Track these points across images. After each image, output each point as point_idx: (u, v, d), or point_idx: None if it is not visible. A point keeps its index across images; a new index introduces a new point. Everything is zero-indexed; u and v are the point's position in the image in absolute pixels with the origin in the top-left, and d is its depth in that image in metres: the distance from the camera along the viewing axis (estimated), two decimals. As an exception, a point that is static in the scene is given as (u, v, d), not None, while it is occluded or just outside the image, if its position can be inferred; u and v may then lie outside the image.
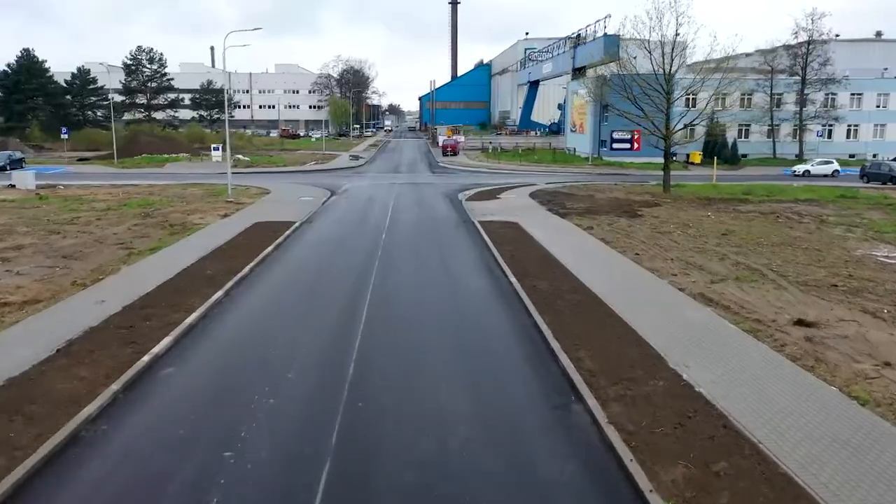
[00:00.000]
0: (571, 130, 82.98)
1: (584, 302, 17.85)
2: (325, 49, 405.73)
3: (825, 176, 57.47)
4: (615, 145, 70.67)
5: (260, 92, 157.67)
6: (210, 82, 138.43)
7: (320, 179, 54.37)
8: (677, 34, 41.16)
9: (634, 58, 50.81)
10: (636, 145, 70.57)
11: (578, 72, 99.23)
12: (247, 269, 21.57)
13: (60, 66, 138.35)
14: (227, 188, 39.54)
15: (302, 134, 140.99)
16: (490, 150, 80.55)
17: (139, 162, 66.47)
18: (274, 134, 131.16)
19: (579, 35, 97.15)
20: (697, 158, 69.58)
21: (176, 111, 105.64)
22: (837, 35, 78.23)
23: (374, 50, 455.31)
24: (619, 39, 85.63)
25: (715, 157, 58.97)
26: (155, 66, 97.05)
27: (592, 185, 48.17)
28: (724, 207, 36.21)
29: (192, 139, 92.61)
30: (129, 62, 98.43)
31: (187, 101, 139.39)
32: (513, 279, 20.66)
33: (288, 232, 28.56)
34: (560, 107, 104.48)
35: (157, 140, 78.34)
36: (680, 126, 42.09)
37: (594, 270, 21.64)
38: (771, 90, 72.02)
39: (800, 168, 59.12)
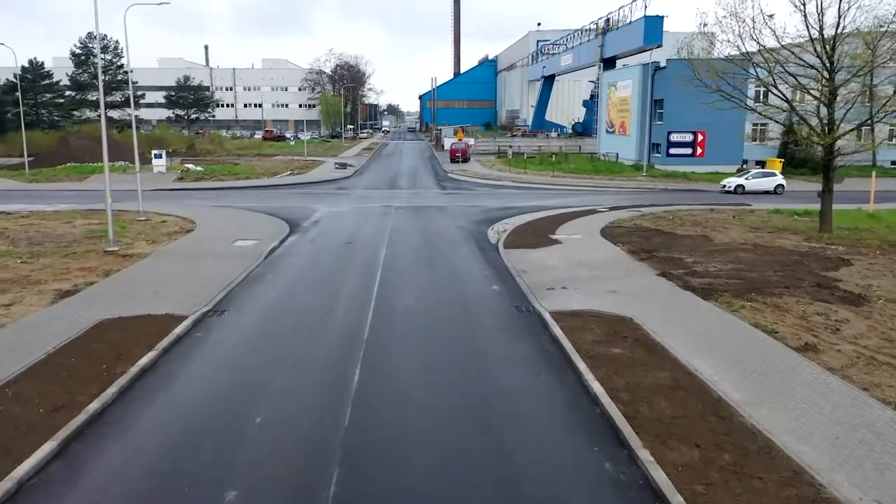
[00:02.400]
0: (608, 132, 67.15)
1: None
2: (320, 48, 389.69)
3: (766, 193, 42.37)
4: (673, 150, 54.73)
5: (245, 89, 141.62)
6: (187, 78, 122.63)
7: (287, 200, 38.48)
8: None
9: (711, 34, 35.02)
10: (699, 150, 54.70)
11: (608, 62, 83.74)
12: None
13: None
14: (110, 230, 23.46)
15: (289, 136, 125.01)
16: (509, 156, 64.50)
17: (59, 173, 50.57)
18: (260, 135, 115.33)
19: (608, 20, 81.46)
20: (778, 167, 53.67)
21: (138, 109, 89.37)
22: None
23: (372, 48, 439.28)
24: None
25: (874, 171, 41.02)
26: (109, 56, 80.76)
27: (688, 214, 32.16)
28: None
29: (152, 143, 76.49)
30: (77, 51, 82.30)
31: (161, 100, 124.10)
32: None
33: (143, 362, 12.64)
34: (586, 104, 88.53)
35: (95, 145, 62.13)
36: (848, 125, 25.78)
37: None
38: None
39: (730, 182, 43.34)
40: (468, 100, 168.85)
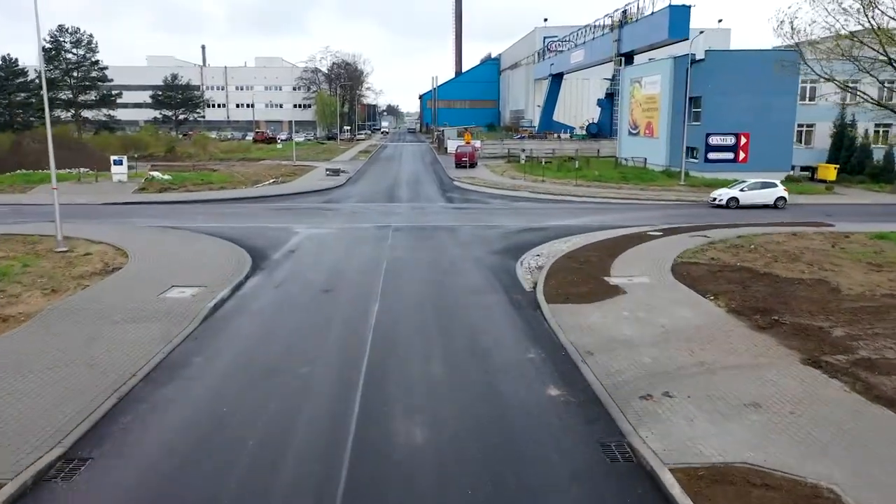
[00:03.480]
0: (630, 133, 59.91)
1: None
2: (318, 47, 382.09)
3: (764, 207, 35.13)
4: (712, 155, 47.45)
5: (237, 89, 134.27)
6: (175, 77, 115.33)
7: (261, 218, 31.22)
8: None
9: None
10: (742, 154, 47.46)
11: (625, 58, 76.56)
12: None
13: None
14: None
15: (283, 137, 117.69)
16: (522, 161, 57.14)
17: (2, 182, 43.17)
18: (252, 137, 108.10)
19: (625, 12, 74.33)
20: (832, 174, 46.44)
21: (113, 110, 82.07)
22: None
23: (372, 49, 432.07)
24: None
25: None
26: (82, 52, 73.39)
27: (769, 241, 24.80)
28: None
29: (129, 146, 69.23)
30: (47, 46, 74.97)
31: (148, 100, 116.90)
32: None
33: None
34: (601, 103, 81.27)
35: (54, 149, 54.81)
36: None
37: None
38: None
39: (721, 194, 35.85)
40: (470, 100, 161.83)
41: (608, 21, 78.63)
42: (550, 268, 20.36)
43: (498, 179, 48.61)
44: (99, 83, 74.30)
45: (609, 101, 78.56)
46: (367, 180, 50.15)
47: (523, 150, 56.87)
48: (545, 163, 55.53)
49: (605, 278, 18.97)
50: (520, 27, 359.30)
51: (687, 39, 64.70)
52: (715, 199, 35.59)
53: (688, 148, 49.66)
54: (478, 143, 74.92)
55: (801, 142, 51.69)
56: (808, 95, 49.85)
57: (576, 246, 23.98)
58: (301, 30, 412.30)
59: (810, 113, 49.88)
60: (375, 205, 36.60)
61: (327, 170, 52.67)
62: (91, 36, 73.82)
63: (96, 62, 74.76)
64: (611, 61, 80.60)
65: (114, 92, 78.15)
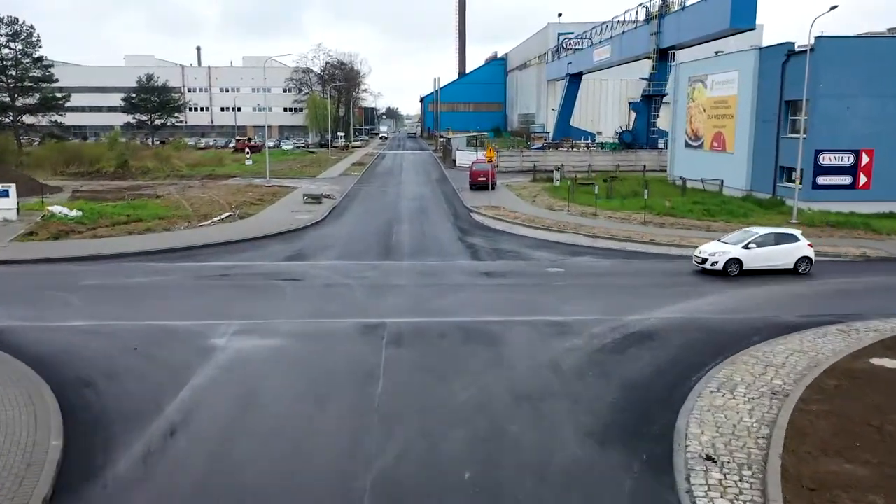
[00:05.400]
0: (689, 145, 47.11)
1: None
2: (310, 47, 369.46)
3: (773, 271, 22.16)
4: (822, 179, 34.61)
5: (222, 91, 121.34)
6: (150, 77, 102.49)
7: (166, 305, 18.21)
8: None
9: None
10: (863, 178, 34.63)
11: (665, 54, 63.92)
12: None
13: None
14: None
15: (272, 144, 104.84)
16: (557, 182, 44.17)
17: None
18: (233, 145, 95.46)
19: (665, 1, 61.77)
20: None
21: (62, 114, 69.08)
22: None
23: (371, 50, 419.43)
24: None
25: None
26: (20, 46, 60.38)
27: None
28: None
29: (69, 159, 56.47)
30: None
31: (120, 102, 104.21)
32: None
33: None
34: (636, 106, 68.44)
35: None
36: None
37: None
38: None
39: (715, 253, 22.24)
40: (474, 102, 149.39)
41: (642, 12, 66.03)
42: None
43: (531, 211, 35.76)
44: (43, 84, 61.44)
45: (645, 105, 65.82)
46: (356, 212, 37.17)
47: (557, 169, 43.89)
48: (578, 181, 42.52)
49: None
50: (521, 29, 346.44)
51: (753, 29, 52.32)
52: (705, 261, 22.12)
53: (781, 168, 36.97)
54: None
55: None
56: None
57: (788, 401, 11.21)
58: (298, 32, 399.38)
59: None
60: (363, 266, 23.67)
61: (306, 195, 39.80)
62: (32, 28, 60.81)
63: (39, 59, 61.84)
64: (646, 58, 68.07)
65: (59, 94, 65.13)
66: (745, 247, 22.08)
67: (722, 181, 40.28)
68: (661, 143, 66.71)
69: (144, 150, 68.68)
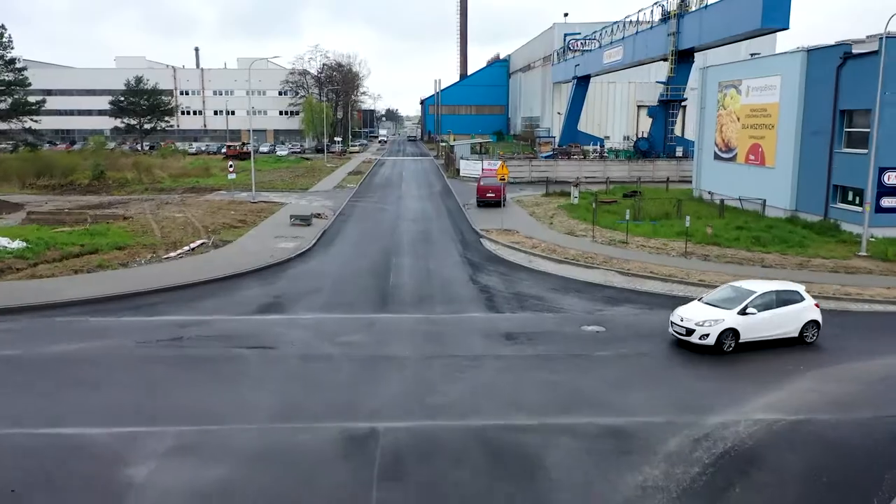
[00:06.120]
0: (719, 157, 42.27)
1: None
2: (306, 48, 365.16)
3: (771, 342, 16.67)
4: (886, 200, 29.82)
5: (215, 93, 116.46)
6: (139, 80, 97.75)
7: (86, 403, 13.46)
8: None
9: None
10: (937, 201, 29.82)
11: (684, 55, 59.16)
12: None
13: None
14: None
15: (265, 150, 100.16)
16: (574, 200, 39.35)
17: None
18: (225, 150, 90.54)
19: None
20: None
21: (37, 120, 64.24)
22: None
23: (370, 51, 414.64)
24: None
25: None
26: (-10, 47, 55.60)
27: None
28: None
29: (40, 170, 51.67)
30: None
31: (104, 106, 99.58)
32: None
33: None
34: (652, 111, 63.60)
35: None
36: None
37: None
38: None
39: (703, 320, 16.29)
40: (476, 105, 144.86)
41: (658, 11, 61.23)
42: None
43: (550, 236, 30.91)
44: (15, 88, 56.65)
45: (662, 110, 61.01)
46: (350, 238, 32.29)
47: (575, 185, 39.01)
48: (600, 199, 37.73)
49: None
50: (523, 29, 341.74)
51: (787, 29, 47.54)
52: (690, 332, 16.40)
53: (835, 187, 32.17)
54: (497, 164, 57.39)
55: None
56: None
57: None
58: (296, 34, 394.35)
59: None
60: (353, 322, 18.81)
61: (293, 216, 34.97)
62: (3, 28, 55.92)
63: (12, 61, 57.04)
64: (662, 60, 63.29)
65: (33, 99, 60.22)
66: (743, 312, 16.28)
67: (764, 201, 35.41)
68: (678, 152, 62.01)
69: (125, 159, 63.82)
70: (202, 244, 29.14)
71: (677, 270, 24.34)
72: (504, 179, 33.53)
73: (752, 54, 42.05)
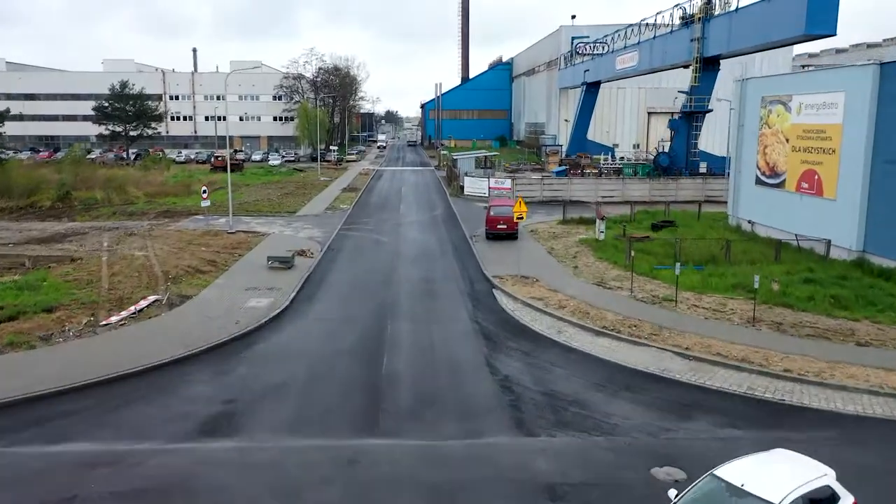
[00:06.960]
0: (762, 182, 36.68)
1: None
2: (301, 51, 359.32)
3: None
4: None
5: (206, 98, 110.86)
6: (125, 84, 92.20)
7: None
8: None
9: None
10: None
11: (709, 62, 53.70)
12: None
13: None
14: None
15: (258, 158, 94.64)
16: (600, 237, 33.62)
17: None
18: (230, 159, 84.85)
19: (710, 2, 51.64)
20: None
21: None
22: None
23: (369, 53, 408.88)
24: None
25: None
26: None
27: None
28: None
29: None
30: None
31: (90, 111, 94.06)
32: None
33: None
34: (674, 124, 58.03)
35: None
36: None
37: None
38: None
39: None
40: (478, 109, 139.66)
41: (678, 14, 55.71)
42: None
43: (578, 288, 25.32)
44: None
45: (685, 122, 55.48)
46: (336, 289, 26.53)
47: (601, 219, 33.42)
48: (626, 233, 32.17)
49: None
50: (524, 30, 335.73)
51: (833, 35, 42.12)
52: None
53: (921, 227, 26.67)
54: (507, 184, 51.95)
55: None
56: None
57: None
58: (294, 35, 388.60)
59: None
60: (326, 461, 13.18)
61: (271, 259, 29.38)
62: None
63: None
64: (683, 67, 57.82)
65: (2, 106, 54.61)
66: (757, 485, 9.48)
67: (829, 241, 29.84)
68: (702, 167, 56.57)
69: (101, 171, 58.29)
70: (155, 301, 23.60)
71: (750, 351, 18.79)
72: (522, 218, 27.87)
73: (803, 66, 36.42)
